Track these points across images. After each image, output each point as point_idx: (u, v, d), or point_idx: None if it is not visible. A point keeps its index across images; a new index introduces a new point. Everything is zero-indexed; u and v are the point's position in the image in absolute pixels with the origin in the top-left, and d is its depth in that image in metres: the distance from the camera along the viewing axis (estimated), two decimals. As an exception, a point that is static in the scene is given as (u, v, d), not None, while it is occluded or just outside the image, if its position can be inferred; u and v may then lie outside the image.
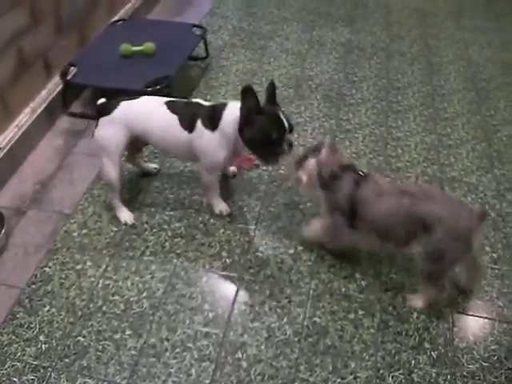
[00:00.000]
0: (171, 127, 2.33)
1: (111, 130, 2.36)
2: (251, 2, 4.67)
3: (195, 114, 2.31)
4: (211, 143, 2.30)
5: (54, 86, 3.18)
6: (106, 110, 2.37)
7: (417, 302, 2.25)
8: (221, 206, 2.60)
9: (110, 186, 2.53)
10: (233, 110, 2.25)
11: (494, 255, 2.48)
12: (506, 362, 2.07)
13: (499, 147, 3.16)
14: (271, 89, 2.23)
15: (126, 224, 2.54)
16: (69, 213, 2.60)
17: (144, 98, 2.42)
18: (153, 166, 2.84)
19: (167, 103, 2.36)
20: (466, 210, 2.06)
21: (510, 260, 2.46)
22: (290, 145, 2.24)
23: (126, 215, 2.56)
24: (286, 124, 2.19)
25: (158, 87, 3.05)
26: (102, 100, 2.42)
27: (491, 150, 3.13)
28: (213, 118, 2.28)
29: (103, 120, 2.37)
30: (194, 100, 2.43)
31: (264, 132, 2.18)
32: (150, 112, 2.37)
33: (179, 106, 2.37)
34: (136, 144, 2.55)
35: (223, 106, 2.31)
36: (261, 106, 2.19)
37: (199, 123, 2.29)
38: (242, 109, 2.20)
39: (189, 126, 2.31)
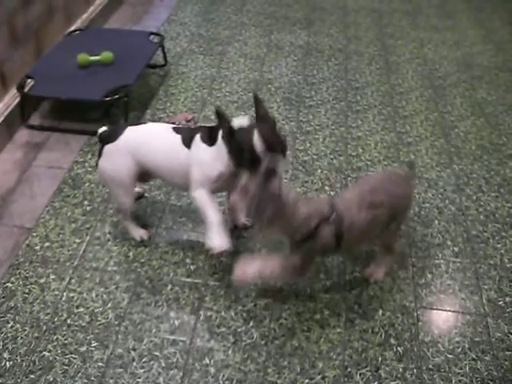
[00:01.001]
0: (174, 146, 2.18)
1: (117, 159, 2.22)
2: (209, 8, 4.68)
3: (195, 132, 2.19)
4: (207, 155, 2.13)
5: (12, 98, 3.14)
6: (110, 137, 2.23)
7: (378, 274, 2.36)
8: (217, 240, 2.11)
9: (120, 211, 2.47)
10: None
11: (455, 249, 2.52)
12: (470, 353, 2.11)
13: (457, 143, 3.22)
14: (255, 103, 2.04)
15: (142, 241, 2.50)
16: (30, 226, 2.56)
17: (151, 123, 2.35)
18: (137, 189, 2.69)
19: (174, 128, 2.25)
20: (404, 182, 2.22)
21: (470, 253, 2.51)
22: (272, 171, 1.93)
23: (140, 232, 2.51)
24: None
25: (116, 96, 3.04)
26: (104, 128, 2.28)
27: (449, 146, 3.19)
28: (211, 134, 2.15)
29: (107, 148, 2.22)
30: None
31: (236, 153, 2.03)
32: (155, 136, 2.24)
33: (185, 129, 2.26)
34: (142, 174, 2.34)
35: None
36: (232, 127, 2.00)
37: (197, 138, 2.15)
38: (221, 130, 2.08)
39: (188, 142, 2.17)
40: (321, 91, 3.62)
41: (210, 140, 2.14)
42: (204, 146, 2.14)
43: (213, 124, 2.20)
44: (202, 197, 2.16)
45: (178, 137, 2.19)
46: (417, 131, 3.30)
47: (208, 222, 2.13)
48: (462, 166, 3.04)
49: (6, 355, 2.04)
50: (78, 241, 2.50)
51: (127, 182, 2.27)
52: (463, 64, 4.02)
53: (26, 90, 3.16)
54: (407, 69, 3.93)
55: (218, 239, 2.10)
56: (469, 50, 4.21)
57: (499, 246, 2.56)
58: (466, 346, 2.14)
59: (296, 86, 3.66)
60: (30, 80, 3.19)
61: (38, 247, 2.46)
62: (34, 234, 2.52)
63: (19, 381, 1.96)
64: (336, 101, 3.54)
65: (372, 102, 3.54)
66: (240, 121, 2.04)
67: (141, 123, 2.32)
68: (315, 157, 3.03)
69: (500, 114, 3.49)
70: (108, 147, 2.22)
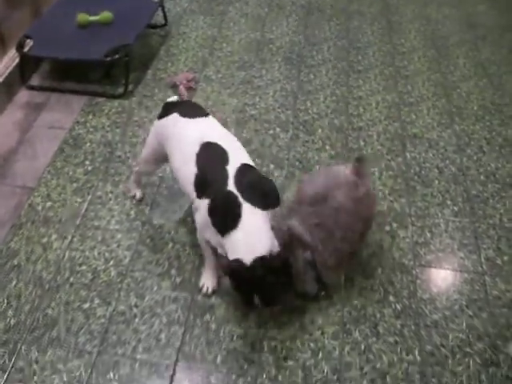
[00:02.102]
0: (187, 178, 1.98)
1: (154, 134, 2.20)
2: (209, -34, 4.60)
3: (211, 187, 1.91)
4: (206, 224, 1.93)
5: (11, 59, 3.12)
6: (162, 113, 2.17)
7: None
8: (207, 280, 2.16)
9: (137, 168, 2.43)
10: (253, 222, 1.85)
11: (455, 208, 2.54)
12: (467, 310, 2.13)
13: (459, 103, 3.20)
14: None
15: (133, 197, 2.51)
16: (32, 186, 2.58)
17: (203, 121, 2.12)
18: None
19: (203, 146, 1.98)
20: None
21: (470, 213, 2.52)
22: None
23: (136, 190, 2.51)
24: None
25: (117, 56, 3.02)
26: (172, 98, 2.27)
27: (451, 106, 3.17)
28: (226, 218, 1.86)
29: (155, 122, 2.21)
30: (227, 160, 1.95)
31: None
32: (183, 148, 2.03)
33: (207, 160, 1.97)
34: None
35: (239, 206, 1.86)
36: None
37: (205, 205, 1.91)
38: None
39: (198, 193, 1.94)
40: (322, 51, 3.59)
41: (224, 227, 1.87)
42: (210, 221, 1.90)
43: (228, 186, 1.90)
44: (201, 242, 2.09)
45: (194, 172, 1.96)
46: (418, 91, 3.28)
47: (206, 261, 2.16)
48: (463, 126, 3.03)
49: (10, 313, 2.07)
50: (79, 200, 2.51)
51: (151, 158, 2.28)
52: (467, 24, 3.97)
53: (26, 50, 3.13)
54: (409, 29, 3.88)
55: (208, 280, 2.16)
56: (473, 10, 4.15)
57: (499, 205, 2.57)
58: (464, 303, 2.16)
59: (297, 45, 3.63)
60: (29, 40, 3.17)
61: (40, 207, 2.48)
62: (36, 194, 2.54)
63: (24, 337, 2.00)
64: (337, 60, 3.51)
65: (373, 62, 3.51)
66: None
67: (192, 113, 2.14)
68: (316, 116, 3.03)
69: (503, 75, 3.46)
70: (155, 121, 2.21)
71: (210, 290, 2.15)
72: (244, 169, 1.95)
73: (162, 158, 2.20)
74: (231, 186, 1.89)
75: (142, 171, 2.43)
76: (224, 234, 1.85)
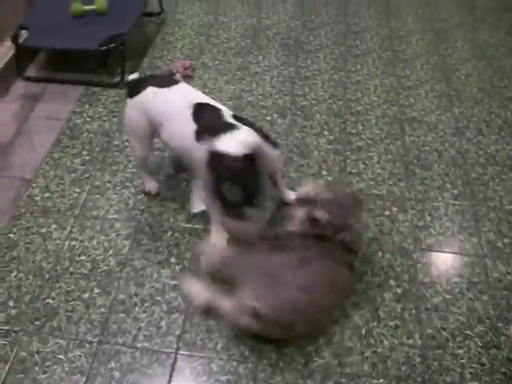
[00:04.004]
0: (188, 136, 2.05)
1: (134, 113, 2.20)
2: (205, -47, 4.57)
3: (215, 130, 2.00)
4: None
5: (6, 50, 3.11)
6: (133, 91, 2.20)
7: None
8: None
9: (135, 160, 2.50)
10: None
11: (455, 191, 2.53)
12: (468, 293, 2.13)
13: (458, 86, 3.18)
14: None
15: (149, 193, 2.47)
16: (30, 178, 2.57)
17: (179, 87, 2.19)
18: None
19: (195, 107, 2.09)
20: None
21: (469, 196, 2.51)
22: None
23: (150, 185, 2.47)
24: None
25: (112, 45, 3.00)
26: (134, 76, 2.29)
27: (450, 89, 3.16)
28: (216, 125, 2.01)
29: (129, 101, 2.22)
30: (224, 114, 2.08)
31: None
32: (173, 112, 2.11)
33: (204, 115, 2.08)
34: None
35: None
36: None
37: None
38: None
39: (199, 137, 2.04)
40: (319, 36, 3.57)
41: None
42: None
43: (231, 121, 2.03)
44: (210, 205, 2.16)
45: (194, 127, 2.05)
46: (417, 75, 3.26)
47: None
48: (462, 109, 3.02)
49: (11, 303, 2.07)
50: (77, 190, 2.51)
51: (142, 134, 2.25)
52: (466, 6, 3.94)
53: (21, 41, 3.12)
54: (407, 11, 3.86)
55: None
56: (471, -9, 4.13)
57: (499, 188, 2.56)
58: (464, 286, 2.16)
59: (294, 31, 3.61)
60: (24, 31, 3.15)
61: (38, 198, 2.47)
62: (34, 185, 2.53)
63: (25, 327, 2.00)
64: (335, 45, 3.49)
65: (371, 46, 3.49)
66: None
67: (165, 83, 2.20)
68: (314, 102, 3.01)
69: (502, 57, 3.44)
70: (128, 100, 2.22)
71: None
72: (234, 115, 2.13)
73: (152, 132, 2.23)
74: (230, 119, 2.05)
75: (140, 158, 2.38)
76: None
